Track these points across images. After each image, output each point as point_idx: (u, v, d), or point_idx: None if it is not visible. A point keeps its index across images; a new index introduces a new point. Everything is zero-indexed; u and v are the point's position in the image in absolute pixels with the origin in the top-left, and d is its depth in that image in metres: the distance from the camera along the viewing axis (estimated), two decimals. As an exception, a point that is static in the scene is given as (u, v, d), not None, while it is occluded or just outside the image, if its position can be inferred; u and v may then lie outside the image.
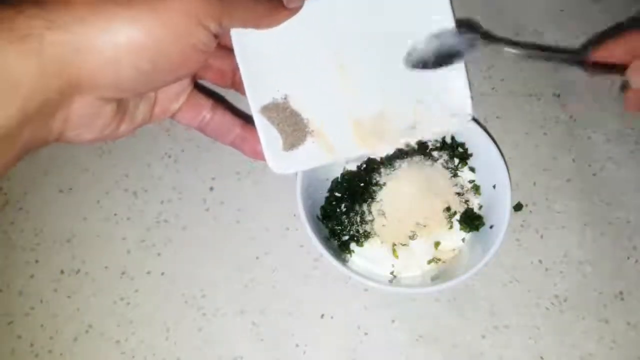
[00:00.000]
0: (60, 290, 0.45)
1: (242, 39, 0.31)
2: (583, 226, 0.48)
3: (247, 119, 0.34)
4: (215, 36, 0.27)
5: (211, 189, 0.49)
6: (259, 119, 0.33)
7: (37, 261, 0.46)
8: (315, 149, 0.34)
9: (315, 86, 0.33)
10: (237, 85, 0.34)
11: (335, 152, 0.35)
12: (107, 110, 0.27)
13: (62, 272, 0.45)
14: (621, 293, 0.45)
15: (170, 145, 0.50)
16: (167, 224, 0.47)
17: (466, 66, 0.35)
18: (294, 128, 0.33)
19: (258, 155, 0.34)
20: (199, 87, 0.34)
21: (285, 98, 0.33)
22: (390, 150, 0.36)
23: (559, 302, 0.45)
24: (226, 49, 0.32)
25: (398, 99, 0.35)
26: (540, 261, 0.46)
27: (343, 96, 0.34)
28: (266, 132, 0.33)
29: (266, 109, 0.33)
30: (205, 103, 0.34)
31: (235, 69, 0.32)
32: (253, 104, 0.33)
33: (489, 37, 0.35)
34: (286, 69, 0.32)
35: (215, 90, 0.37)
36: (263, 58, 0.32)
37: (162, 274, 0.46)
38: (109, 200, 0.48)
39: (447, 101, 0.35)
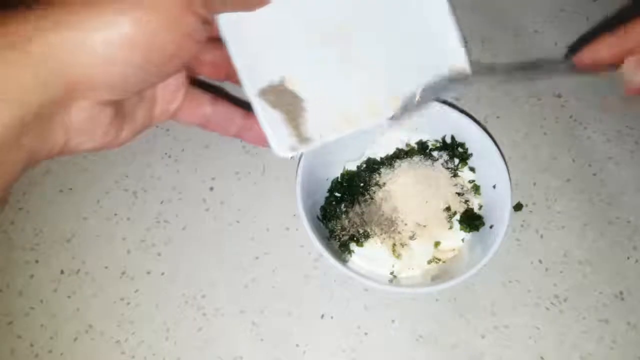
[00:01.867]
0: (60, 290, 0.45)
1: (230, 24, 0.30)
2: (583, 226, 0.48)
3: (248, 108, 0.34)
4: (206, 22, 0.27)
5: (211, 189, 0.49)
6: (257, 104, 0.32)
7: (37, 261, 0.46)
8: (320, 127, 0.34)
9: (310, 63, 0.32)
10: (232, 77, 0.33)
11: (339, 128, 0.34)
12: (105, 114, 0.27)
13: (62, 272, 0.45)
14: (621, 293, 0.45)
15: (170, 145, 0.50)
16: (167, 224, 0.47)
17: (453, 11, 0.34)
18: (294, 108, 0.33)
19: (263, 141, 0.33)
20: (195, 83, 0.34)
21: (281, 79, 0.32)
22: (391, 116, 0.35)
23: (559, 302, 0.45)
24: (217, 41, 0.31)
25: (396, 66, 0.34)
26: (540, 261, 0.46)
27: (340, 70, 0.33)
28: (267, 116, 0.32)
29: (264, 93, 0.32)
30: (204, 97, 0.33)
31: (229, 60, 0.31)
32: (249, 90, 0.32)
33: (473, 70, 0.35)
34: (278, 49, 0.32)
35: (213, 83, 0.37)
36: (253, 41, 0.31)
37: (162, 274, 0.46)
38: (109, 200, 0.48)
39: (444, 59, 0.34)
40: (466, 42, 0.34)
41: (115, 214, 0.48)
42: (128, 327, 0.44)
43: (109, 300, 0.44)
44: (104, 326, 0.44)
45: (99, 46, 0.24)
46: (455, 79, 0.34)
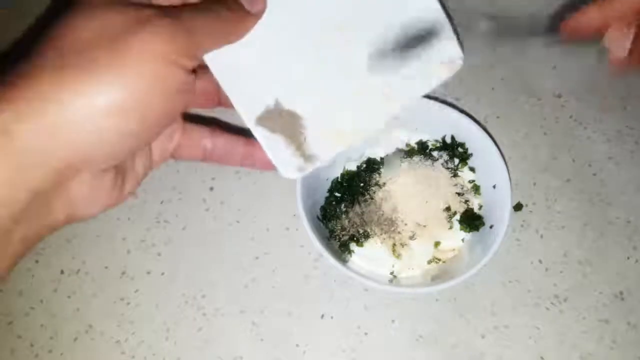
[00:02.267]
0: (60, 290, 0.45)
1: (215, 58, 0.29)
2: (583, 226, 0.48)
3: (245, 133, 0.33)
4: (193, 71, 0.26)
5: (211, 189, 0.49)
6: (258, 133, 0.32)
7: (37, 261, 0.46)
8: (324, 141, 0.34)
9: (302, 79, 0.32)
10: (225, 102, 0.32)
11: (343, 137, 0.34)
12: (106, 179, 0.26)
13: (62, 272, 0.45)
14: (621, 293, 0.45)
15: (170, 145, 0.50)
16: (167, 224, 0.47)
17: (446, 11, 0.34)
18: (294, 128, 0.33)
19: (270, 166, 0.33)
20: (190, 118, 0.33)
21: (276, 102, 0.32)
22: (396, 114, 0.35)
23: (559, 302, 0.45)
24: (202, 68, 0.29)
25: (385, 66, 0.34)
26: (540, 261, 0.46)
27: (333, 81, 0.33)
28: (270, 142, 0.32)
29: (262, 120, 0.32)
30: (202, 131, 0.33)
31: (218, 86, 0.31)
32: (248, 120, 0.31)
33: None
34: (267, 72, 0.31)
35: (206, 114, 0.36)
36: (241, 70, 0.31)
37: (162, 274, 0.46)
38: (109, 200, 0.48)
39: (436, 53, 0.34)
40: (457, 33, 0.34)
41: (115, 214, 0.48)
42: (128, 327, 0.44)
43: (109, 300, 0.44)
44: (104, 326, 0.44)
45: (86, 123, 0.22)
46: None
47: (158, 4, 0.25)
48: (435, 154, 0.47)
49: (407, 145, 0.48)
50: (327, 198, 0.46)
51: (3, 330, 0.43)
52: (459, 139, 0.47)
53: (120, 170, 0.27)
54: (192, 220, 0.47)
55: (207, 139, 0.33)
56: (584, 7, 0.32)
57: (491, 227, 0.43)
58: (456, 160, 0.46)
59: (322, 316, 0.44)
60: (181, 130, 0.32)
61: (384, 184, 0.44)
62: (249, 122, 0.32)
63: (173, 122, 0.29)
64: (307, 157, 0.34)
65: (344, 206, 0.45)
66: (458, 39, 0.34)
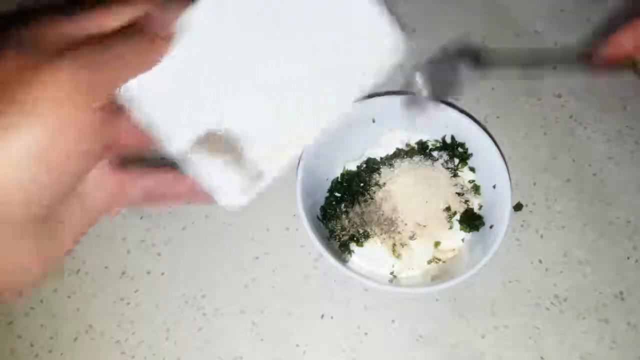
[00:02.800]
0: (60, 290, 0.45)
1: (133, 90, 0.26)
2: (583, 226, 0.48)
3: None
4: (109, 109, 0.23)
5: (211, 189, 0.49)
6: (191, 163, 0.28)
7: (37, 261, 0.46)
8: (267, 156, 0.31)
9: (233, 98, 0.29)
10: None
11: (287, 148, 0.32)
12: (23, 242, 0.22)
13: (62, 272, 0.45)
14: (621, 293, 0.45)
15: (170, 145, 0.50)
16: (167, 224, 0.47)
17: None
18: (232, 151, 0.30)
19: (207, 198, 0.29)
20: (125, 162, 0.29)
21: (209, 128, 0.29)
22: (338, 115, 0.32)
23: (559, 302, 0.45)
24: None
25: (324, 68, 0.31)
26: (540, 261, 0.46)
27: (267, 94, 0.30)
28: (205, 170, 0.29)
29: (195, 147, 0.28)
30: (131, 176, 0.28)
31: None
32: (176, 151, 0.28)
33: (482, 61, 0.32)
34: (190, 96, 0.28)
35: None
36: (160, 98, 0.27)
37: (162, 274, 0.46)
38: (109, 200, 0.48)
39: (375, 45, 0.32)
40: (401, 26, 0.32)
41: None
42: (128, 327, 0.44)
43: (109, 300, 0.44)
44: (104, 326, 0.44)
45: None
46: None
47: (54, 42, 0.23)
48: (435, 154, 0.47)
49: (407, 145, 0.48)
50: (327, 198, 0.46)
51: (3, 330, 0.43)
52: (459, 139, 0.47)
53: (42, 229, 0.24)
54: (192, 220, 0.47)
55: (132, 185, 0.29)
56: (613, 35, 0.31)
57: (491, 227, 0.43)
58: (456, 160, 0.46)
59: (322, 316, 0.44)
60: (112, 178, 0.28)
61: (384, 184, 0.44)
62: (177, 153, 0.28)
63: (91, 168, 0.25)
64: (252, 177, 0.31)
65: (344, 206, 0.45)
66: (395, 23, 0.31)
